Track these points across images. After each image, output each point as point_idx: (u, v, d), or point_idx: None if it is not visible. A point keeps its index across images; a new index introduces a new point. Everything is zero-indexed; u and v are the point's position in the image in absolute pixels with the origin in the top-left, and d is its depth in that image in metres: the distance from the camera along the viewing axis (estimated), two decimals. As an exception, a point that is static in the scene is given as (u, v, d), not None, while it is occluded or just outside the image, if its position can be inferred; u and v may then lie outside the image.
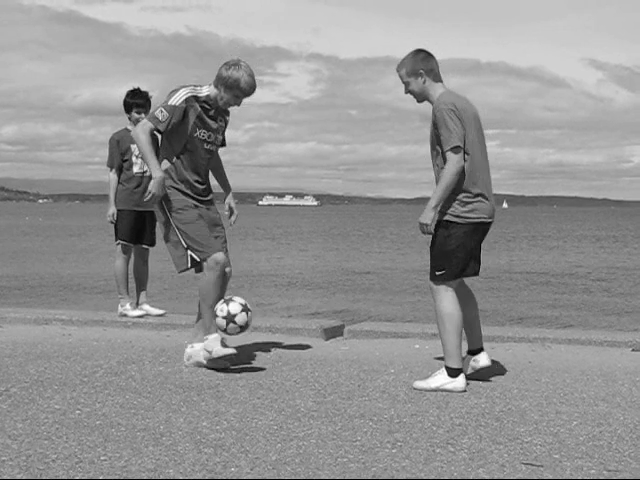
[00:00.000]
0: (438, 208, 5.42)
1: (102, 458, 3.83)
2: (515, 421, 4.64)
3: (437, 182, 5.46)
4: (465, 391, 5.41)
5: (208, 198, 6.28)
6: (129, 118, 8.30)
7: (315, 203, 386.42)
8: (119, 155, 8.29)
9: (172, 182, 6.08)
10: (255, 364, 6.19)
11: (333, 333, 7.64)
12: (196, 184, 6.14)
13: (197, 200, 6.15)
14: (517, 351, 6.88)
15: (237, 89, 6.03)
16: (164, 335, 7.48)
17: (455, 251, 5.45)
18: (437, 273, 5.50)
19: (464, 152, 5.38)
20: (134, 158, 8.23)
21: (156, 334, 7.51)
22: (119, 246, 8.37)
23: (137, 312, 8.22)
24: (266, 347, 6.95)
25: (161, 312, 8.30)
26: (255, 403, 4.96)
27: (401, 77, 5.59)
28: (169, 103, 5.99)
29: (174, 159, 6.10)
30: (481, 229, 5.52)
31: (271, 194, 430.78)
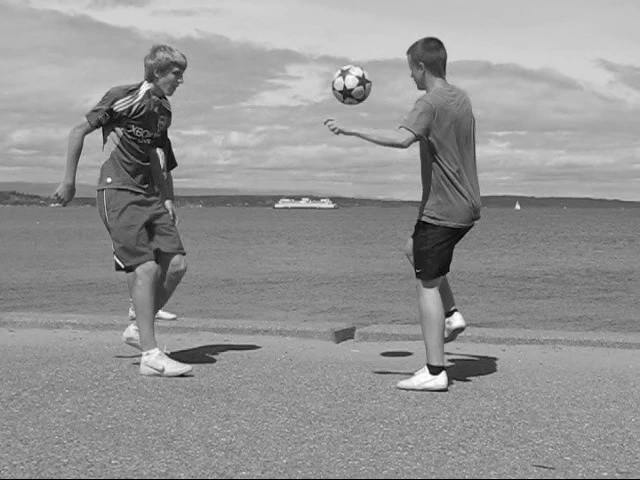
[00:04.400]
0: (354, 136, 5.49)
1: (113, 462, 3.84)
2: (526, 423, 4.63)
3: (422, 175, 5.62)
4: (446, 390, 5.44)
5: (152, 197, 6.11)
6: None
7: (331, 206, 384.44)
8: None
9: (111, 178, 5.96)
10: (266, 367, 6.19)
11: (344, 336, 7.63)
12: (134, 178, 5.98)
13: (139, 188, 5.99)
14: (528, 353, 6.87)
15: (173, 64, 5.96)
16: (175, 338, 7.49)
17: (430, 252, 5.56)
18: (417, 271, 5.64)
19: (435, 154, 5.48)
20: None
21: (167, 337, 7.51)
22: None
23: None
24: (277, 350, 6.95)
25: (172, 316, 8.31)
26: (266, 406, 4.96)
27: (407, 61, 5.70)
28: (114, 109, 5.88)
29: (109, 154, 5.98)
30: (458, 234, 5.64)
31: (287, 197, 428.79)
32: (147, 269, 5.91)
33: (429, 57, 5.57)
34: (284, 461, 3.88)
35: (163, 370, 5.83)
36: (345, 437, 4.30)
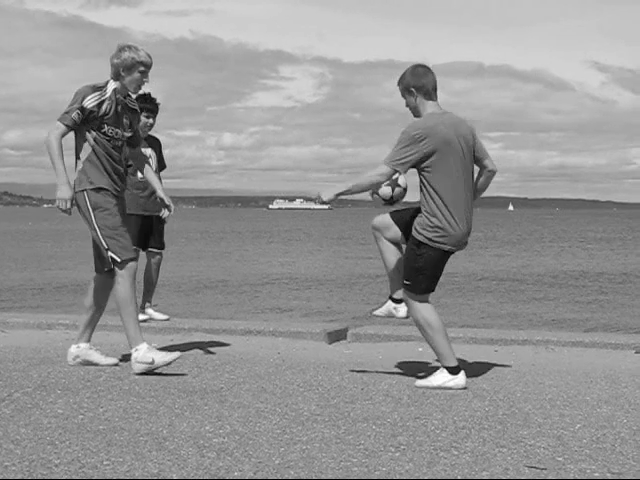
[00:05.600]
0: (338, 196, 5.73)
1: (105, 463, 3.83)
2: (518, 424, 4.63)
3: (420, 197, 5.68)
4: (466, 388, 5.49)
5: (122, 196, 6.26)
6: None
7: (326, 207, 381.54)
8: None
9: (92, 179, 6.04)
10: (258, 368, 6.19)
11: (337, 337, 7.64)
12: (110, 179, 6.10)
13: (115, 190, 6.10)
14: (521, 354, 6.87)
15: (138, 64, 6.03)
16: (167, 339, 7.49)
17: (422, 269, 5.64)
18: (405, 282, 5.69)
19: (428, 180, 5.56)
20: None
21: (159, 338, 7.52)
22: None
23: (141, 316, 8.20)
24: (269, 351, 6.95)
25: (165, 317, 8.30)
26: (258, 407, 4.96)
27: (400, 91, 5.80)
28: (85, 106, 5.93)
29: (86, 156, 6.06)
30: (449, 255, 5.73)
31: (281, 198, 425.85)
32: (128, 266, 6.01)
33: (419, 82, 5.68)
34: (276, 462, 3.88)
35: (153, 362, 5.85)
36: (337, 438, 4.30)
